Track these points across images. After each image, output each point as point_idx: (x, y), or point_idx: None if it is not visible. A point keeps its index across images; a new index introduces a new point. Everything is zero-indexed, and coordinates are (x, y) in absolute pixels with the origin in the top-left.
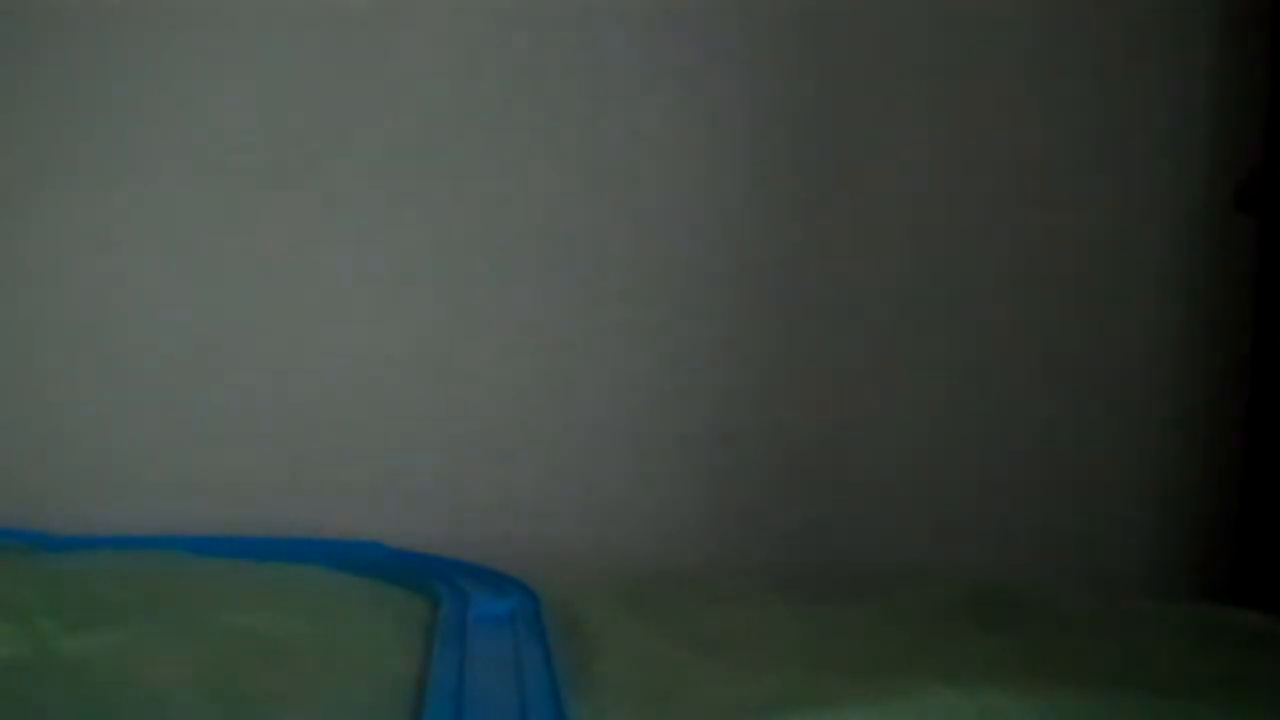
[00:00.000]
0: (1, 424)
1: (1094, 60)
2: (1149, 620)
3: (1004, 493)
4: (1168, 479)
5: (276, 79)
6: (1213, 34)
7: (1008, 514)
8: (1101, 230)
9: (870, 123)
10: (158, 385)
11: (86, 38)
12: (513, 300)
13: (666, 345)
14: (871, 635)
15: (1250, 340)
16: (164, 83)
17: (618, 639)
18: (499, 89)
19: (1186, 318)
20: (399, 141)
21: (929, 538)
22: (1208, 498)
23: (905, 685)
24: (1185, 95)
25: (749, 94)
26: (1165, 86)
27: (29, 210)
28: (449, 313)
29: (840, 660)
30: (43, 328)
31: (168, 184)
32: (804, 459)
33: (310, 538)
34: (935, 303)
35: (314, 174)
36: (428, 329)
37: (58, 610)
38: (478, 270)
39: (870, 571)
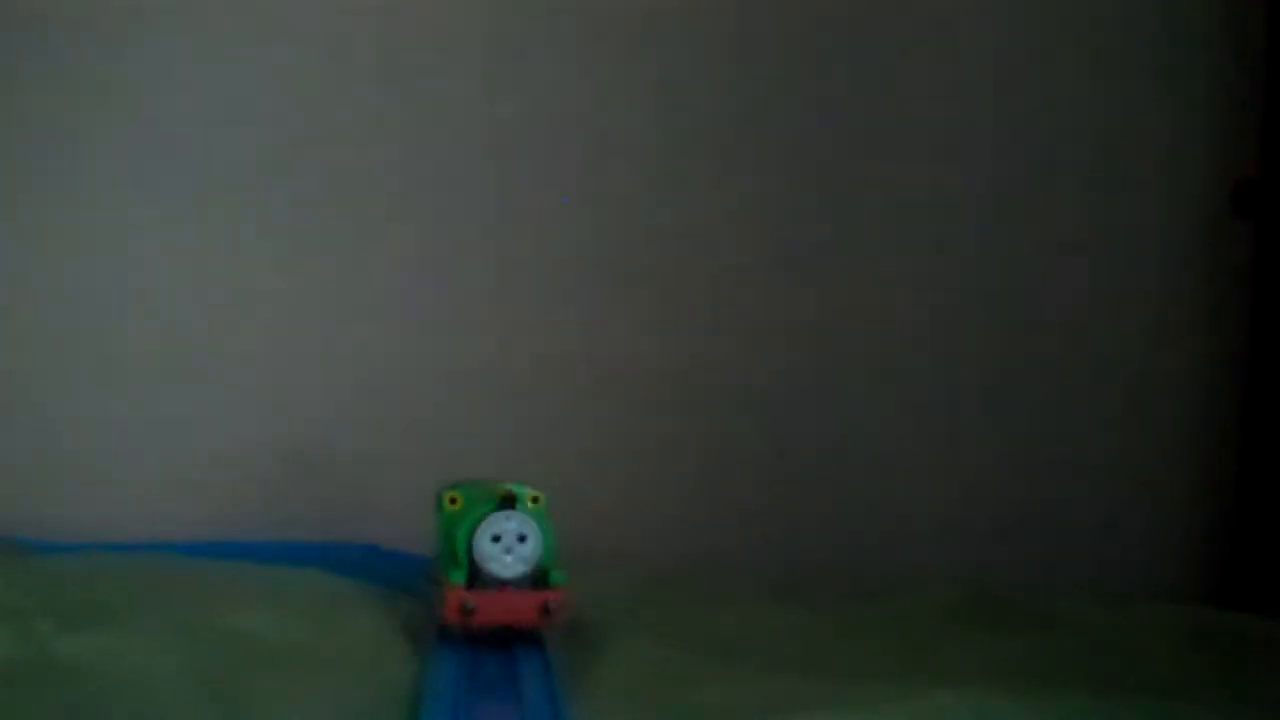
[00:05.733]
0: None
1: (1091, 64)
2: (1146, 622)
3: (1002, 495)
4: (1166, 480)
5: (271, 81)
6: (1210, 39)
7: (1006, 516)
8: (1099, 233)
9: (868, 128)
10: (153, 388)
11: (86, 40)
12: (510, 302)
13: (666, 348)
14: (870, 638)
15: (1247, 342)
16: (159, 86)
17: (616, 642)
18: (496, 92)
19: (1184, 320)
20: (394, 143)
21: (928, 540)
22: (1206, 499)
23: (903, 689)
24: (1183, 99)
25: (747, 100)
26: (1163, 90)
27: (22, 214)
28: (447, 313)
29: (839, 664)
30: (38, 331)
31: (164, 186)
32: (803, 462)
33: (306, 541)
34: (935, 305)
35: (311, 176)
36: (425, 330)
37: (53, 611)
38: (474, 271)
39: (869, 574)
